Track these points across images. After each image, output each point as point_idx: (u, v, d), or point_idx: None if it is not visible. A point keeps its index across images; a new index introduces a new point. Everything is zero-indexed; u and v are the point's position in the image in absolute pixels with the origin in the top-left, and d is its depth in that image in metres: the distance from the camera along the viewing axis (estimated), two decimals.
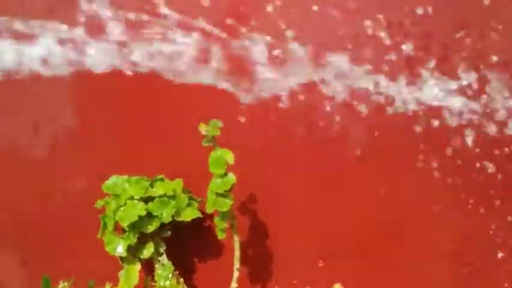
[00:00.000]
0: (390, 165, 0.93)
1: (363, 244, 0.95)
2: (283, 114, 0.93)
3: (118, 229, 0.88)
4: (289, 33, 0.89)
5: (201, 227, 0.96)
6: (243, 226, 0.97)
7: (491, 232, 0.92)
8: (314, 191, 0.95)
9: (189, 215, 0.87)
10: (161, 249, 0.89)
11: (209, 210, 0.82)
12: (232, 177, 0.79)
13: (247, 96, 0.92)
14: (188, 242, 0.96)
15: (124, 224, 0.84)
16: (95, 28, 0.92)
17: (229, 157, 0.78)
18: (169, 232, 0.90)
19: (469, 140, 0.88)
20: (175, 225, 0.91)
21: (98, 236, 0.86)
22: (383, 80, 0.88)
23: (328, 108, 0.90)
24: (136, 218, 0.83)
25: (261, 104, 0.92)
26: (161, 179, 0.91)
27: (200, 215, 0.89)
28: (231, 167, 0.79)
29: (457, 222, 0.92)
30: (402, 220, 0.94)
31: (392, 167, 0.93)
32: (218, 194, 0.78)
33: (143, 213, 0.84)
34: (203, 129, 0.78)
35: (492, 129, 0.87)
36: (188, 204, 0.89)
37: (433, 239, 0.93)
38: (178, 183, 0.90)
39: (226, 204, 0.79)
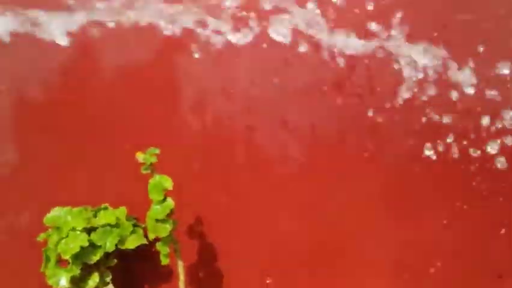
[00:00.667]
0: (331, 181, 0.96)
1: (308, 260, 0.97)
2: (224, 137, 0.95)
3: (64, 262, 0.87)
4: None
5: (148, 254, 0.96)
6: (192, 249, 0.98)
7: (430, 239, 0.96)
8: (258, 211, 0.97)
9: (134, 242, 0.88)
10: (107, 279, 0.89)
11: (150, 236, 0.83)
12: (170, 202, 0.80)
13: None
14: (136, 269, 0.96)
15: (67, 256, 0.83)
16: None
17: (168, 183, 0.80)
18: (115, 261, 0.90)
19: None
20: (122, 253, 0.91)
21: (41, 269, 0.85)
22: None
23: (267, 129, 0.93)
24: (78, 250, 0.83)
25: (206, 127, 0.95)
26: (105, 208, 0.91)
27: (145, 242, 0.89)
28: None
29: (397, 231, 0.96)
30: (346, 236, 0.97)
31: (334, 184, 0.96)
32: (157, 220, 0.80)
33: (86, 244, 0.84)
34: (140, 157, 0.79)
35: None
36: (133, 232, 0.89)
37: (376, 252, 0.97)
38: (121, 211, 0.90)
39: (166, 229, 0.80)
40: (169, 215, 0.81)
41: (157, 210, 0.80)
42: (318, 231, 0.97)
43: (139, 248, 0.91)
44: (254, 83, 0.91)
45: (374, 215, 0.95)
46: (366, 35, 0.88)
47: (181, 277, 0.86)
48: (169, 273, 0.97)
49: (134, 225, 0.91)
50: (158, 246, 0.84)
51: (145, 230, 0.91)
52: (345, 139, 0.93)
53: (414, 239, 0.95)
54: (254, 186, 0.96)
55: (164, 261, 0.85)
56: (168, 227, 0.81)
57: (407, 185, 0.94)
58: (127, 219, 0.91)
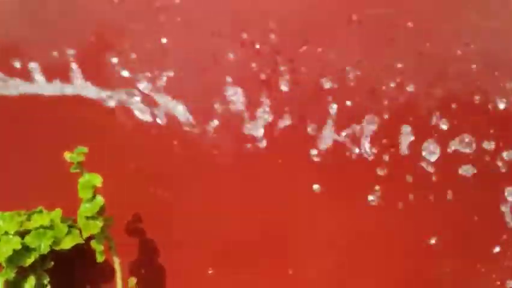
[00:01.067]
0: (269, 171, 0.99)
1: (249, 251, 1.00)
2: (161, 132, 0.97)
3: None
4: None
5: (86, 254, 0.97)
6: (131, 246, 0.99)
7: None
8: (197, 205, 0.99)
9: (69, 242, 0.88)
10: (45, 281, 0.89)
11: (84, 235, 0.84)
12: (100, 199, 0.81)
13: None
14: (75, 270, 0.97)
15: (0, 260, 0.83)
16: None
17: (97, 180, 0.81)
18: (52, 263, 0.90)
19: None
20: (60, 255, 0.91)
21: None
22: None
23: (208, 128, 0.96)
24: (11, 253, 0.83)
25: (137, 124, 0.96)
26: (40, 211, 0.92)
27: (81, 241, 0.90)
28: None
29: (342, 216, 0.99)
30: (287, 226, 1.00)
31: (274, 174, 0.99)
32: (88, 218, 0.81)
33: (19, 247, 0.84)
34: (67, 156, 0.80)
35: None
36: (68, 232, 0.90)
37: (320, 241, 1.00)
38: (56, 213, 0.91)
39: (97, 226, 0.81)
40: (99, 212, 0.82)
41: (86, 208, 0.81)
42: (259, 221, 0.99)
43: (77, 249, 0.92)
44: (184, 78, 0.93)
45: (314, 204, 0.98)
46: None
47: (118, 274, 0.87)
48: (109, 271, 0.98)
49: (70, 226, 0.91)
50: (93, 244, 0.85)
51: (81, 230, 0.92)
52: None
53: (356, 222, 0.99)
54: (192, 180, 0.98)
55: (100, 258, 0.86)
56: (99, 224, 0.82)
57: (344, 168, 0.97)
58: (62, 221, 0.91)
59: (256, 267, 1.01)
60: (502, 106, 0.86)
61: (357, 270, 0.98)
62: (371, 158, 0.92)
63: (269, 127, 0.94)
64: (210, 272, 1.01)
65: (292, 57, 0.90)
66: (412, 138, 0.90)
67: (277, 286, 1.01)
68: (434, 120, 0.89)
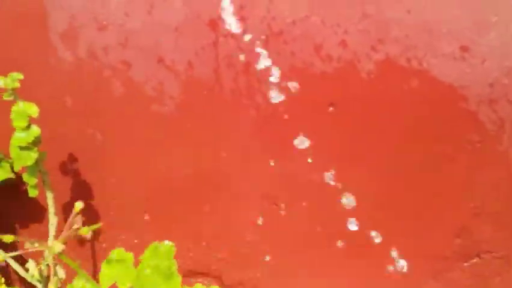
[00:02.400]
0: (208, 119, 0.99)
1: (185, 197, 1.00)
2: (98, 71, 0.94)
3: None
4: None
5: (17, 188, 0.93)
6: (65, 186, 0.97)
7: None
8: (134, 149, 0.98)
9: None
10: None
11: (16, 168, 0.81)
12: (36, 129, 0.78)
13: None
14: (6, 207, 0.93)
15: None
16: None
17: (32, 110, 0.78)
18: None
19: None
20: None
21: None
22: None
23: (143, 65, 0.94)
24: None
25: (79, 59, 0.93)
26: None
27: (12, 175, 0.87)
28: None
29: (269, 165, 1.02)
30: (223, 172, 1.01)
31: (210, 122, 0.99)
32: (21, 148, 0.77)
33: None
34: (1, 82, 0.76)
35: None
36: None
37: (251, 187, 1.02)
38: None
39: (31, 157, 0.78)
40: (34, 143, 0.79)
41: (20, 138, 0.77)
42: (195, 168, 1.00)
43: (11, 185, 0.88)
44: (129, 16, 0.91)
45: (248, 150, 0.99)
46: None
47: (51, 209, 0.85)
48: (40, 209, 0.95)
49: (1, 160, 0.88)
50: (25, 177, 0.82)
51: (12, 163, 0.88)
52: (222, 78, 0.96)
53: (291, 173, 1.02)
54: (130, 124, 0.97)
55: (32, 193, 0.83)
56: (33, 155, 0.79)
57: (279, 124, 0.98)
58: None
59: (192, 214, 1.02)
60: (436, 72, 0.93)
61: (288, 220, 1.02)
62: None
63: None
64: (146, 218, 1.01)
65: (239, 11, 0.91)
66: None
67: (213, 232, 1.03)
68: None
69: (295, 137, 0.96)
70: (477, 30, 0.90)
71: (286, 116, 0.95)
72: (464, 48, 0.91)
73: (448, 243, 1.08)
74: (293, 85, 0.93)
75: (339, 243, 1.02)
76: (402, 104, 0.94)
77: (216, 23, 0.90)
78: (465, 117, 0.94)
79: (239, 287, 1.07)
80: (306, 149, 0.97)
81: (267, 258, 1.05)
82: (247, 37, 0.90)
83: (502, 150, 0.99)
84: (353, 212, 1.00)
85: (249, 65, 0.92)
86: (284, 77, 0.92)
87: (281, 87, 0.93)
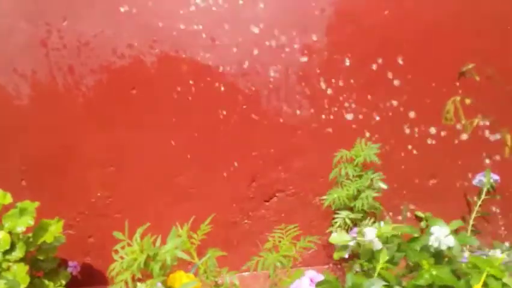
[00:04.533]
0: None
1: (51, 165, 1.41)
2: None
3: None
4: None
5: None
6: None
7: None
8: (9, 131, 1.40)
9: None
10: None
11: None
12: None
13: None
14: None
15: None
16: None
17: None
18: None
19: None
20: None
21: None
22: None
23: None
24: None
25: None
26: None
27: None
28: None
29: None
30: (73, 143, 1.42)
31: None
32: None
33: None
34: None
35: None
36: None
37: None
38: None
39: None
40: None
41: None
42: (55, 143, 1.41)
43: None
44: None
45: (85, 125, 1.40)
46: None
47: None
48: None
49: None
50: None
51: None
52: (56, 79, 1.38)
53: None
54: (3, 115, 1.39)
55: None
56: None
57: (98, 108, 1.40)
58: None
59: (57, 179, 1.42)
60: (198, 58, 1.32)
61: None
62: None
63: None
64: (23, 184, 1.42)
65: None
66: None
67: (73, 192, 1.42)
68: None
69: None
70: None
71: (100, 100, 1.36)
72: (213, 40, 1.31)
73: (248, 186, 1.43)
74: (104, 77, 1.34)
75: None
76: (175, 82, 1.33)
77: (45, 43, 1.33)
78: (225, 85, 1.33)
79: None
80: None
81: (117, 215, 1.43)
82: (66, 52, 1.33)
83: (265, 109, 1.35)
84: None
85: (72, 69, 1.34)
86: (94, 72, 1.33)
87: (95, 79, 1.34)
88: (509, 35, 1.31)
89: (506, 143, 0.78)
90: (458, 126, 1.21)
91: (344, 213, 1.22)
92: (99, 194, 1.42)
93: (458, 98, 0.75)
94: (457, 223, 0.83)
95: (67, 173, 1.41)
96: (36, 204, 1.25)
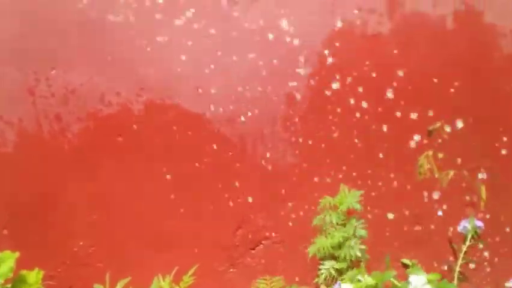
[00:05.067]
0: None
1: (33, 212, 1.39)
2: None
3: None
4: None
5: None
6: None
7: None
8: None
9: None
10: None
11: None
12: None
13: None
14: None
15: None
16: None
17: None
18: None
19: None
20: None
21: None
22: None
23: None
24: None
25: None
26: None
27: None
28: None
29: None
30: (55, 191, 1.41)
31: None
32: None
33: None
34: None
35: None
36: None
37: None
38: None
39: None
40: None
41: None
42: (38, 190, 1.40)
43: None
44: None
45: (67, 174, 1.39)
46: None
47: None
48: None
49: None
50: None
51: None
52: (43, 127, 1.39)
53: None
54: None
55: None
56: None
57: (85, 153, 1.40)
58: None
59: (39, 226, 1.40)
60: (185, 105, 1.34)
61: None
62: None
63: None
64: (4, 233, 1.39)
65: None
66: None
67: (56, 240, 1.40)
68: None
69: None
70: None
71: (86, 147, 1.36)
72: (196, 88, 1.34)
73: (234, 234, 1.42)
74: (90, 124, 1.35)
75: None
76: (161, 129, 1.35)
77: (32, 91, 1.35)
78: (210, 132, 1.34)
79: None
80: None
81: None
82: (53, 100, 1.34)
83: (250, 156, 1.37)
84: None
85: (59, 117, 1.35)
86: (80, 120, 1.35)
87: (82, 127, 1.35)
88: (488, 85, 1.35)
89: (481, 196, 0.79)
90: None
91: (328, 264, 1.21)
92: (81, 243, 1.39)
93: (430, 153, 0.78)
94: (434, 275, 0.83)
95: (49, 221, 1.39)
96: (16, 254, 1.23)
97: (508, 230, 1.37)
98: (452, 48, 1.28)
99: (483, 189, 0.79)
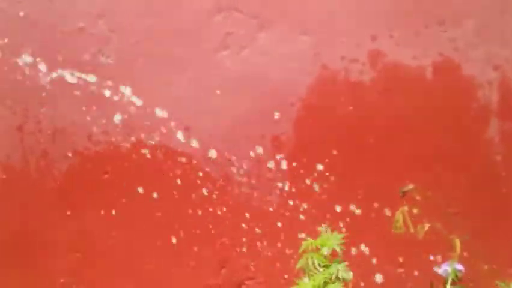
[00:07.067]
0: None
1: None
2: None
3: None
4: None
5: None
6: None
7: None
8: None
9: None
10: None
11: None
12: None
13: None
14: None
15: None
16: None
17: None
18: None
19: None
20: None
21: None
22: None
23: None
24: None
25: None
26: None
27: None
28: None
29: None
30: (35, 229, 1.40)
31: None
32: None
33: None
34: None
35: None
36: None
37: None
38: None
39: None
40: None
41: None
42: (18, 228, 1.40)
43: None
44: None
45: (50, 210, 1.40)
46: None
47: None
48: None
49: None
50: None
51: None
52: (29, 162, 1.40)
53: None
54: None
55: None
56: None
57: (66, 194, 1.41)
58: None
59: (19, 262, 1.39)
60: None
61: None
62: None
63: None
64: None
65: None
66: None
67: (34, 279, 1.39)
68: None
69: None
70: None
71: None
72: (187, 128, 1.36)
73: (217, 274, 1.42)
74: (76, 161, 1.37)
75: None
76: (147, 170, 1.37)
77: (21, 128, 1.36)
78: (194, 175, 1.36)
79: None
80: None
81: None
82: (41, 137, 1.36)
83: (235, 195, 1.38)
84: None
85: (46, 153, 1.37)
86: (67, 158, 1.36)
87: (68, 164, 1.37)
88: (467, 134, 1.40)
89: (455, 249, 0.82)
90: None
91: None
92: (62, 281, 1.38)
93: (406, 208, 0.81)
94: None
95: (31, 258, 1.39)
96: None
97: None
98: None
99: (457, 243, 0.81)
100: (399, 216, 0.79)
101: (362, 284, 1.42)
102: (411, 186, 0.87)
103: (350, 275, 1.22)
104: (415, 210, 0.79)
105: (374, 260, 1.42)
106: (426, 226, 0.82)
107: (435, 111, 1.37)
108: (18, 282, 1.38)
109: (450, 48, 1.36)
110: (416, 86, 1.34)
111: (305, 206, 1.40)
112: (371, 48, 1.36)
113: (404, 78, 1.34)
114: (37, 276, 1.38)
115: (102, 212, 1.38)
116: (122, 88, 1.37)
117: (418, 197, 0.86)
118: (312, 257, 1.29)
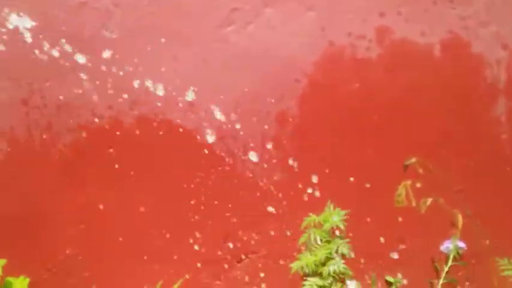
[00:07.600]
0: None
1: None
2: None
3: None
4: None
5: None
6: None
7: None
8: None
9: None
10: None
11: None
12: None
13: None
14: None
15: None
16: None
17: None
18: None
19: None
20: None
21: None
22: None
23: None
24: None
25: None
26: None
27: None
28: None
29: None
30: (33, 208, 1.42)
31: None
32: None
33: None
34: None
35: None
36: None
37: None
38: None
39: None
40: None
41: None
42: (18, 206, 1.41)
43: None
44: None
45: (56, 189, 1.41)
46: None
47: None
48: None
49: None
50: None
51: None
52: (33, 136, 1.41)
53: None
54: None
55: None
56: None
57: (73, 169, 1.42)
58: None
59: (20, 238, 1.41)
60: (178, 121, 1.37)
61: None
62: None
63: None
64: None
65: None
66: None
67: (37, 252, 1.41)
68: None
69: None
70: None
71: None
72: (191, 104, 1.36)
73: (220, 247, 1.43)
74: (81, 135, 1.37)
75: None
76: (151, 144, 1.37)
77: (26, 101, 1.36)
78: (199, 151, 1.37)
79: None
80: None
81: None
82: (45, 110, 1.36)
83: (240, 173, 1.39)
84: None
85: (50, 127, 1.37)
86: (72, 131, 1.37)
87: (73, 138, 1.37)
88: (473, 113, 1.39)
89: (457, 224, 0.82)
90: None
91: (312, 280, 1.23)
92: (68, 252, 1.41)
93: (408, 182, 0.81)
94: None
95: (37, 229, 1.40)
96: (3, 261, 1.24)
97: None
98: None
99: (459, 218, 0.81)
100: (401, 190, 0.79)
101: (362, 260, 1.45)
102: (413, 159, 0.87)
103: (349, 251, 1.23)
104: (418, 184, 0.79)
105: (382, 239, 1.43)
106: (429, 201, 0.82)
107: (443, 88, 1.36)
108: (24, 254, 1.40)
109: (459, 25, 1.35)
110: (424, 64, 1.32)
111: (311, 182, 1.41)
112: (378, 25, 1.35)
113: (412, 55, 1.32)
114: (42, 247, 1.40)
115: (106, 185, 1.39)
116: (126, 63, 1.36)
117: (421, 170, 0.86)
118: (314, 233, 1.31)
